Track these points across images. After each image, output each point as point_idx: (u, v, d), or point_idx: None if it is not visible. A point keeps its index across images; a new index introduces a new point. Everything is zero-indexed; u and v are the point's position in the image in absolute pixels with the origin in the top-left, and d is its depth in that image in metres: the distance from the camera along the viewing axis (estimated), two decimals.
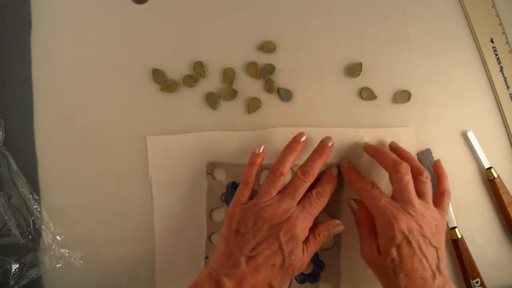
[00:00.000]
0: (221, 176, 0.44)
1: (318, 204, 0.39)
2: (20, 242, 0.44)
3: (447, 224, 0.45)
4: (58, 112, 0.45)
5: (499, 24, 0.46)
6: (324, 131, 0.44)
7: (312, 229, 0.39)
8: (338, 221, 0.41)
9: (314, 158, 0.40)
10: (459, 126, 0.46)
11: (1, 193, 0.44)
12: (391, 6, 0.46)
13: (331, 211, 0.44)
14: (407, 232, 0.36)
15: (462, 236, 0.44)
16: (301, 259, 0.37)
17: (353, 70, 0.45)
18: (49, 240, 0.44)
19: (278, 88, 0.45)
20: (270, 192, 0.38)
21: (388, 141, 0.44)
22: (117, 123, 0.45)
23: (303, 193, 0.39)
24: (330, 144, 0.41)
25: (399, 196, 0.38)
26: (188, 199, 0.44)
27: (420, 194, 0.39)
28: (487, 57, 0.46)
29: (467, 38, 0.46)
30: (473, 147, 0.45)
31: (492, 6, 0.46)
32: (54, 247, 0.44)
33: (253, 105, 0.45)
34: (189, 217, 0.45)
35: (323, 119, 0.45)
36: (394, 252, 0.36)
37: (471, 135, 0.45)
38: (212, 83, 0.45)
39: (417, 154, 0.45)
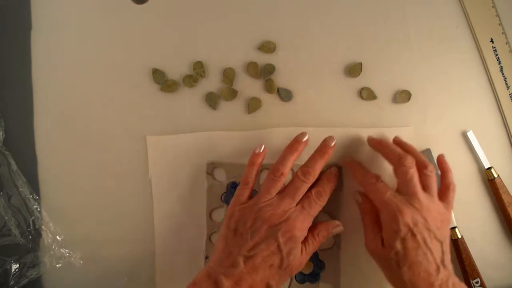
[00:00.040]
0: (221, 176, 0.44)
1: (318, 204, 0.39)
2: (20, 242, 0.44)
3: None
4: (58, 112, 0.45)
5: (499, 24, 0.46)
6: (324, 131, 0.44)
7: (311, 229, 0.39)
8: (337, 222, 0.41)
9: (316, 158, 0.40)
10: (459, 126, 0.46)
11: (1, 193, 0.44)
12: (391, 6, 0.46)
13: (330, 210, 0.44)
14: (412, 225, 0.36)
15: (462, 236, 0.44)
16: (299, 259, 0.37)
17: (353, 70, 0.45)
18: (49, 240, 0.44)
19: (278, 88, 0.45)
20: (270, 192, 0.38)
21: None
22: (117, 123, 0.45)
23: (303, 194, 0.39)
24: (333, 144, 0.40)
25: (404, 189, 0.38)
26: (188, 199, 0.44)
27: (425, 188, 0.38)
28: (487, 57, 0.46)
29: (467, 38, 0.46)
30: (473, 147, 0.45)
31: (492, 6, 0.46)
32: (54, 247, 0.44)
33: (253, 105, 0.45)
34: (189, 217, 0.45)
35: (323, 119, 0.45)
36: (398, 245, 0.36)
37: (471, 135, 0.45)
38: (212, 83, 0.45)
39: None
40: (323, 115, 0.45)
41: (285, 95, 0.45)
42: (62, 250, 0.44)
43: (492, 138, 0.46)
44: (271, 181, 0.39)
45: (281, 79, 0.45)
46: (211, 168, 0.44)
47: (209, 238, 0.45)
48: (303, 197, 0.39)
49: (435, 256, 0.36)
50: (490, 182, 0.45)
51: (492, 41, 0.46)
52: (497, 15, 0.46)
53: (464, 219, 0.45)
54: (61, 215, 0.44)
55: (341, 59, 0.45)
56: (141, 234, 0.44)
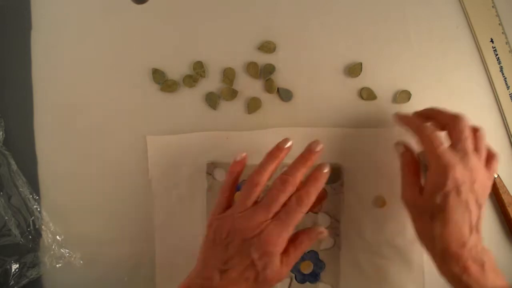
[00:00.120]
0: (221, 176, 0.44)
1: (299, 211, 0.35)
2: (20, 242, 0.44)
3: None
4: (58, 112, 0.45)
5: (499, 24, 0.46)
6: (324, 131, 0.44)
7: (293, 239, 0.36)
8: (320, 229, 0.38)
9: (297, 165, 0.37)
10: None
11: (1, 193, 0.44)
12: (391, 6, 0.46)
13: (331, 211, 0.44)
14: (459, 183, 0.35)
15: None
16: (278, 272, 0.35)
17: (353, 70, 0.45)
18: (49, 240, 0.44)
19: (278, 88, 0.45)
20: (245, 203, 0.36)
21: (388, 141, 0.44)
22: (117, 123, 0.45)
23: (281, 204, 0.36)
24: (318, 149, 0.38)
25: (456, 148, 0.37)
26: (188, 199, 0.44)
27: (476, 150, 0.38)
28: (487, 57, 0.46)
29: (467, 38, 0.46)
30: None
31: (492, 6, 0.46)
32: (54, 247, 0.44)
33: (253, 105, 0.45)
34: (189, 217, 0.45)
35: (323, 119, 0.45)
36: (439, 198, 0.35)
37: None
38: (212, 83, 0.45)
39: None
40: (323, 115, 0.45)
41: (285, 95, 0.45)
42: (62, 250, 0.44)
43: (492, 138, 0.46)
44: (246, 191, 0.36)
45: (281, 79, 0.45)
46: (211, 168, 0.44)
47: None
48: (283, 205, 0.36)
49: (472, 218, 0.36)
50: None
51: (492, 41, 0.46)
52: (497, 15, 0.46)
53: None
54: (61, 215, 0.44)
55: (341, 59, 0.45)
56: (141, 234, 0.44)
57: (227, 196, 0.38)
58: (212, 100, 0.45)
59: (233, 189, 0.38)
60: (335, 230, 0.44)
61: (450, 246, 0.35)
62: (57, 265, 0.44)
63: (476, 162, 0.37)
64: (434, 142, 0.36)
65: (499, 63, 0.46)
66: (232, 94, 0.45)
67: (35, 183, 0.44)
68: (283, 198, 0.36)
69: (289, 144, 0.38)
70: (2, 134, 0.44)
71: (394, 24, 0.46)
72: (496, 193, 0.45)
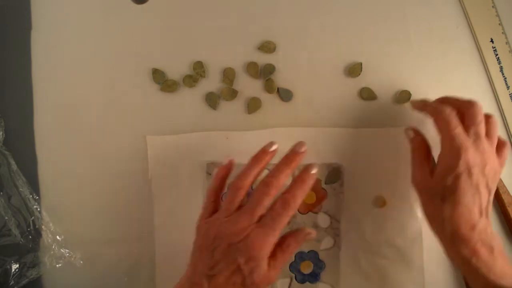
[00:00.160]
0: None
1: (284, 215, 0.35)
2: (20, 242, 0.44)
3: None
4: (58, 112, 0.45)
5: (499, 24, 0.46)
6: (324, 131, 0.44)
7: (280, 242, 0.36)
8: (307, 230, 0.37)
9: (280, 167, 0.36)
10: None
11: (1, 193, 0.44)
12: (391, 6, 0.46)
13: (331, 211, 0.44)
14: (471, 165, 0.35)
15: None
16: (265, 276, 0.34)
17: (353, 70, 0.45)
18: (49, 240, 0.44)
19: (278, 88, 0.45)
20: (229, 208, 0.36)
21: (388, 141, 0.44)
22: (117, 123, 0.45)
23: (265, 208, 0.35)
24: (302, 150, 0.37)
25: (470, 132, 0.37)
26: (188, 199, 0.44)
27: (488, 136, 0.38)
28: (487, 57, 0.46)
29: (467, 38, 0.46)
30: None
31: (492, 6, 0.46)
32: (54, 247, 0.44)
33: (253, 105, 0.45)
34: (189, 217, 0.44)
35: (323, 119, 0.45)
36: (450, 180, 0.36)
37: None
38: (212, 83, 0.45)
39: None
40: (323, 115, 0.45)
41: (285, 95, 0.45)
42: (62, 250, 0.44)
43: None
44: (230, 196, 0.36)
45: (281, 79, 0.45)
46: (211, 168, 0.44)
47: None
48: (269, 209, 0.35)
49: (482, 201, 0.36)
50: None
51: (492, 41, 0.46)
52: (497, 15, 0.46)
53: None
54: (61, 215, 0.44)
55: (341, 59, 0.45)
56: (141, 234, 0.44)
57: (213, 201, 0.38)
58: (212, 100, 0.45)
59: (219, 193, 0.38)
60: (335, 230, 0.44)
61: (459, 229, 0.35)
62: (57, 265, 0.44)
63: (488, 147, 0.37)
64: (451, 123, 0.37)
65: (499, 63, 0.46)
66: (232, 94, 0.45)
67: (35, 183, 0.44)
68: (267, 201, 0.35)
69: (274, 147, 0.38)
70: (2, 134, 0.44)
71: (394, 24, 0.46)
72: (496, 193, 0.45)
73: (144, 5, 0.42)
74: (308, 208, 0.44)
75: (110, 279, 0.45)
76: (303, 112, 0.45)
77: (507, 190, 0.45)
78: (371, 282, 0.45)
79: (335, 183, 0.44)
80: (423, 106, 0.41)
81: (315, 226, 0.44)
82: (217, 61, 0.45)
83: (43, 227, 0.44)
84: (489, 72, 0.46)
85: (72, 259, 0.44)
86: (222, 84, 0.45)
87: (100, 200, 0.44)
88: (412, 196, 0.44)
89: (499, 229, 0.46)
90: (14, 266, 0.43)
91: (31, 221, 0.44)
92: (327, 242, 0.45)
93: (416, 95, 0.45)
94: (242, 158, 0.43)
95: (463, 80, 0.46)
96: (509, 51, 0.46)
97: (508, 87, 0.46)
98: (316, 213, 0.44)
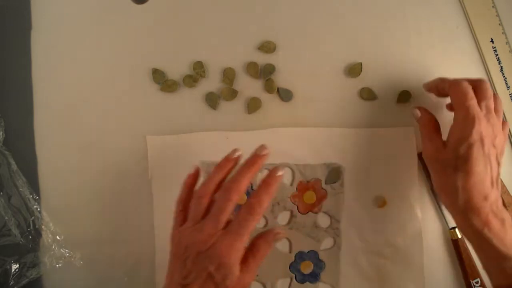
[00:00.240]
0: None
1: (250, 220, 0.34)
2: (20, 242, 0.44)
3: (447, 223, 0.45)
4: (58, 112, 0.45)
5: (499, 24, 0.46)
6: (324, 131, 0.44)
7: (250, 246, 0.36)
8: (275, 230, 0.37)
9: (241, 171, 0.36)
10: None
11: (1, 193, 0.44)
12: (391, 6, 0.46)
13: (331, 211, 0.44)
14: (484, 135, 0.36)
15: (462, 236, 0.44)
16: (239, 281, 0.34)
17: (353, 70, 0.45)
18: (49, 240, 0.44)
19: (278, 88, 0.45)
20: (195, 216, 0.36)
21: (388, 141, 0.44)
22: (117, 123, 0.45)
23: (229, 213, 0.35)
24: (264, 153, 0.37)
25: (481, 104, 0.38)
26: None
27: (494, 111, 0.39)
28: (487, 57, 0.46)
29: (467, 38, 0.46)
30: None
31: (492, 6, 0.46)
32: (54, 247, 0.44)
33: (253, 105, 0.45)
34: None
35: (323, 119, 0.45)
36: (463, 149, 0.36)
37: None
38: (212, 83, 0.45)
39: (417, 154, 0.45)
40: (323, 115, 0.45)
41: (285, 95, 0.45)
42: (62, 250, 0.44)
43: None
44: (194, 205, 0.36)
45: (281, 79, 0.45)
46: (211, 168, 0.44)
47: None
48: (234, 216, 0.35)
49: (493, 172, 0.37)
50: None
51: (492, 41, 0.46)
52: (497, 15, 0.46)
53: None
54: (61, 215, 0.44)
55: (341, 59, 0.45)
56: (141, 234, 0.44)
57: (181, 210, 0.38)
58: (212, 100, 0.45)
59: (187, 202, 0.37)
60: (335, 230, 0.44)
61: (472, 198, 0.36)
62: (57, 265, 0.44)
63: (497, 120, 0.39)
64: (468, 94, 0.38)
65: (499, 63, 0.46)
66: (232, 94, 0.45)
67: (35, 183, 0.44)
68: (230, 207, 0.35)
69: (237, 154, 0.38)
70: (2, 134, 0.44)
71: (394, 24, 0.46)
72: None
73: (144, 5, 0.42)
74: (308, 208, 0.44)
75: (110, 279, 0.45)
76: (303, 112, 0.45)
77: (507, 190, 0.45)
78: (371, 282, 0.45)
79: (335, 183, 0.44)
80: (439, 81, 0.42)
81: (315, 226, 0.44)
82: (217, 61, 0.45)
83: (43, 227, 0.44)
84: (489, 72, 0.46)
85: (72, 259, 0.44)
86: (222, 84, 0.45)
87: (100, 200, 0.44)
88: (412, 196, 0.45)
89: None
90: (14, 266, 0.43)
91: (31, 221, 0.44)
92: (327, 242, 0.45)
93: (416, 95, 0.45)
94: (242, 158, 0.43)
95: None
96: (509, 51, 0.46)
97: (508, 87, 0.46)
98: (316, 213, 0.44)
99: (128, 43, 0.45)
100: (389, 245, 0.44)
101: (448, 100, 0.44)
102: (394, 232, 0.44)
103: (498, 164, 0.38)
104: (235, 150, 0.38)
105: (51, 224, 0.44)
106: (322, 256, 0.45)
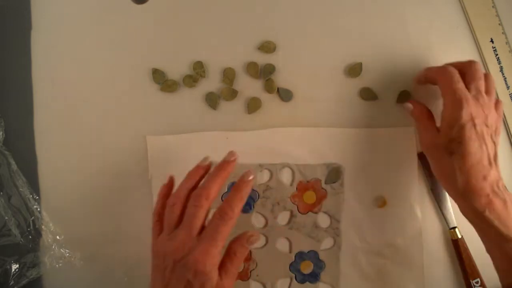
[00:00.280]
0: None
1: (223, 225, 0.35)
2: (20, 242, 0.44)
3: (447, 223, 0.45)
4: (58, 112, 0.45)
5: (499, 24, 0.46)
6: (324, 131, 0.44)
7: (227, 251, 0.36)
8: (250, 232, 0.37)
9: (211, 177, 0.37)
10: None
11: (1, 193, 0.44)
12: (391, 6, 0.46)
13: (331, 211, 0.44)
14: (474, 115, 0.37)
15: (462, 236, 0.44)
16: (220, 286, 0.34)
17: (353, 70, 0.45)
18: (49, 240, 0.44)
19: (278, 88, 0.45)
20: (169, 226, 0.36)
21: (388, 141, 0.44)
22: (117, 123, 0.45)
23: (201, 219, 0.35)
24: (233, 159, 0.38)
25: (470, 86, 0.38)
26: None
27: (486, 92, 0.39)
28: (487, 57, 0.46)
29: (467, 38, 0.46)
30: None
31: (492, 6, 0.46)
32: (54, 247, 0.44)
33: (253, 105, 0.45)
34: None
35: (323, 119, 0.45)
36: (455, 131, 0.37)
37: None
38: (212, 83, 0.45)
39: (417, 154, 0.45)
40: (323, 115, 0.45)
41: (285, 95, 0.45)
42: (62, 250, 0.44)
43: None
44: (167, 214, 0.36)
45: (281, 79, 0.45)
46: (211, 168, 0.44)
47: None
48: (208, 222, 0.36)
49: (489, 152, 0.37)
50: None
51: (492, 41, 0.46)
52: (497, 15, 0.46)
53: (464, 219, 0.44)
54: (61, 215, 0.44)
55: (341, 59, 0.45)
56: (141, 234, 0.44)
57: (157, 220, 0.38)
58: (212, 100, 0.45)
59: (163, 212, 0.37)
60: (335, 230, 0.44)
61: (471, 179, 0.36)
62: (57, 265, 0.44)
63: (488, 101, 0.39)
64: (454, 78, 0.38)
65: (499, 63, 0.46)
66: (232, 94, 0.45)
67: (35, 183, 0.44)
68: (201, 213, 0.35)
69: (208, 161, 0.39)
70: (2, 134, 0.44)
71: (394, 24, 0.46)
72: None
73: (144, 5, 0.42)
74: (308, 208, 0.44)
75: (110, 279, 0.45)
76: (303, 112, 0.45)
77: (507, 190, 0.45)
78: (371, 282, 0.45)
79: (335, 183, 0.44)
80: (426, 71, 0.42)
81: (315, 226, 0.44)
82: (217, 61, 0.45)
83: (43, 227, 0.44)
84: (489, 72, 0.46)
85: (72, 259, 0.44)
86: (222, 84, 0.45)
87: (100, 200, 0.44)
88: (412, 196, 0.45)
89: None
90: (14, 266, 0.43)
91: (31, 221, 0.44)
92: (327, 242, 0.45)
93: (416, 95, 0.45)
94: (242, 158, 0.43)
95: None
96: (509, 51, 0.46)
97: (508, 87, 0.46)
98: (316, 213, 0.44)
99: (128, 43, 0.45)
100: (389, 245, 0.44)
101: None
102: (394, 232, 0.44)
103: (494, 143, 0.38)
104: (206, 159, 0.39)
105: (51, 224, 0.44)
106: (322, 256, 0.45)
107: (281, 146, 0.44)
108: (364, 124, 0.45)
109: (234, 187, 0.37)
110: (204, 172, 0.38)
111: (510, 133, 0.46)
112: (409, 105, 0.43)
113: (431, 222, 0.45)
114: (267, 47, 0.45)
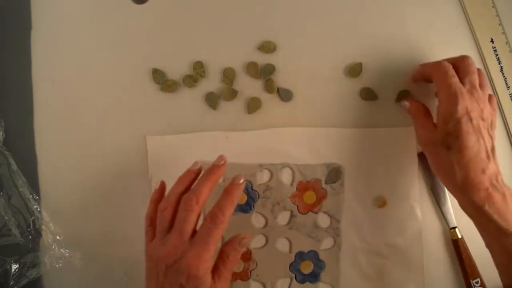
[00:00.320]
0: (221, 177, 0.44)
1: (213, 229, 0.35)
2: (20, 242, 0.44)
3: (447, 223, 0.45)
4: (58, 112, 0.45)
5: (499, 24, 0.46)
6: (324, 131, 0.44)
7: (219, 254, 0.37)
8: (241, 235, 0.37)
9: (201, 181, 0.37)
10: None
11: (1, 193, 0.44)
12: (391, 6, 0.46)
13: (331, 211, 0.44)
14: (469, 109, 0.37)
15: (462, 236, 0.44)
16: None
17: (353, 70, 0.45)
18: (49, 240, 0.44)
19: (278, 88, 0.45)
20: (161, 231, 0.36)
21: (388, 141, 0.44)
22: (117, 123, 0.45)
23: (192, 223, 0.35)
24: (223, 162, 0.38)
25: (464, 81, 0.38)
26: None
27: (479, 86, 0.39)
28: (487, 57, 0.46)
29: (467, 38, 0.46)
30: None
31: (492, 6, 0.46)
32: (54, 247, 0.44)
33: (253, 105, 0.45)
34: None
35: (323, 119, 0.45)
36: (451, 126, 0.37)
37: None
38: (212, 83, 0.45)
39: (417, 154, 0.45)
40: (323, 115, 0.45)
41: (285, 95, 0.45)
42: (62, 250, 0.44)
43: None
44: (158, 219, 0.37)
45: (281, 79, 0.45)
46: None
47: None
48: (200, 226, 0.36)
49: (487, 145, 0.37)
50: None
51: (492, 41, 0.46)
52: (497, 15, 0.46)
53: (465, 219, 0.44)
54: (61, 215, 0.44)
55: (341, 59, 0.45)
56: (141, 234, 0.44)
57: (149, 225, 0.38)
58: (212, 100, 0.45)
59: (155, 217, 0.38)
60: (335, 230, 0.44)
61: (469, 173, 0.36)
62: (57, 265, 0.44)
63: (482, 95, 0.39)
64: (448, 73, 0.38)
65: (499, 63, 0.46)
66: (232, 94, 0.45)
67: (35, 183, 0.44)
68: (192, 217, 0.35)
69: (198, 166, 0.39)
70: (2, 134, 0.44)
71: (394, 24, 0.46)
72: None
73: (144, 5, 0.42)
74: (308, 208, 0.44)
75: (110, 279, 0.45)
76: (303, 112, 0.45)
77: None
78: (371, 282, 0.45)
79: (335, 183, 0.44)
80: (421, 68, 0.42)
81: (315, 226, 0.44)
82: (217, 61, 0.45)
83: (43, 227, 0.44)
84: (489, 72, 0.46)
85: (72, 259, 0.44)
86: (222, 84, 0.45)
87: (100, 200, 0.44)
88: (412, 196, 0.45)
89: None
90: (14, 266, 0.43)
91: (31, 221, 0.44)
92: (327, 242, 0.45)
93: (416, 95, 0.45)
94: (242, 158, 0.44)
95: None
96: (509, 51, 0.46)
97: (508, 87, 0.46)
98: (316, 213, 0.44)
99: (128, 43, 0.45)
100: (389, 245, 0.44)
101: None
102: (394, 232, 0.44)
103: (491, 137, 0.38)
104: (196, 163, 0.39)
105: (51, 224, 0.44)
106: (322, 256, 0.45)
107: (281, 146, 0.44)
108: (364, 124, 0.45)
109: (225, 190, 0.37)
110: (195, 177, 0.38)
111: (510, 133, 0.46)
112: (406, 103, 0.43)
113: (431, 222, 0.45)
114: (267, 47, 0.45)
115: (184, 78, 0.45)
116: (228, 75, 0.45)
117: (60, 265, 0.44)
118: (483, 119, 0.37)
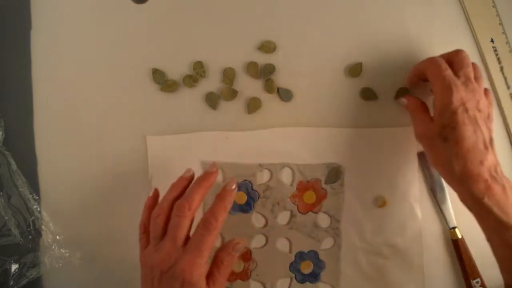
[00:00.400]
0: (220, 176, 0.44)
1: (207, 235, 0.35)
2: (20, 242, 0.44)
3: (447, 223, 0.45)
4: (58, 112, 0.45)
5: (499, 24, 0.46)
6: (324, 131, 0.44)
7: (214, 260, 0.37)
8: (235, 240, 0.37)
9: (193, 188, 0.37)
10: None
11: (1, 193, 0.44)
12: (391, 6, 0.46)
13: (331, 211, 0.44)
14: (464, 100, 0.37)
15: (462, 236, 0.44)
16: None
17: (353, 70, 0.45)
18: (49, 240, 0.44)
19: (278, 88, 0.45)
20: (154, 237, 0.36)
21: (388, 141, 0.44)
22: (117, 123, 0.45)
23: (186, 230, 0.36)
24: (215, 169, 0.38)
25: (459, 73, 0.38)
26: None
27: (475, 79, 0.39)
28: (487, 57, 0.46)
29: (467, 38, 0.46)
30: None
31: (492, 6, 0.46)
32: (54, 247, 0.44)
33: (253, 105, 0.45)
34: None
35: (323, 119, 0.45)
36: (447, 118, 0.37)
37: None
38: (212, 83, 0.45)
39: (417, 154, 0.45)
40: (323, 115, 0.45)
41: (285, 95, 0.45)
42: (62, 250, 0.44)
43: None
44: (152, 225, 0.37)
45: (281, 79, 0.45)
46: None
47: None
48: (193, 232, 0.36)
49: (484, 136, 0.37)
50: None
51: (492, 41, 0.46)
52: (497, 15, 0.46)
53: (464, 219, 0.45)
54: (61, 215, 0.44)
55: (341, 59, 0.45)
56: None
57: (143, 232, 0.38)
58: (212, 100, 0.45)
59: (148, 224, 0.38)
60: (335, 230, 0.44)
61: (468, 164, 0.36)
62: (57, 265, 0.44)
63: (477, 87, 0.38)
64: (441, 66, 0.38)
65: (499, 63, 0.46)
66: (232, 94, 0.45)
67: (35, 183, 0.44)
68: (185, 223, 0.35)
69: (191, 173, 0.39)
70: (2, 134, 0.44)
71: (394, 24, 0.46)
72: None
73: (144, 5, 0.42)
74: (308, 208, 0.44)
75: (110, 279, 0.45)
76: (303, 112, 0.45)
77: None
78: (371, 282, 0.45)
79: (335, 183, 0.44)
80: (414, 68, 0.42)
81: (315, 226, 0.44)
82: (217, 61, 0.45)
83: (43, 227, 0.44)
84: (489, 72, 0.46)
85: (72, 259, 0.44)
86: (222, 84, 0.45)
87: (100, 200, 0.44)
88: (412, 196, 0.45)
89: None
90: (14, 266, 0.43)
91: (31, 221, 0.44)
92: (327, 242, 0.45)
93: (416, 95, 0.45)
94: (242, 158, 0.44)
95: None
96: (509, 51, 0.46)
97: (508, 87, 0.46)
98: (316, 213, 0.44)
99: (128, 43, 0.45)
100: (389, 245, 0.44)
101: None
102: (394, 232, 0.44)
103: (489, 129, 0.38)
104: (189, 170, 0.39)
105: (51, 224, 0.44)
106: (322, 256, 0.45)
107: (281, 146, 0.44)
108: (364, 124, 0.45)
109: (217, 196, 0.37)
110: (187, 183, 0.39)
111: (510, 133, 0.46)
112: (404, 100, 0.43)
113: (431, 222, 0.45)
114: (267, 47, 0.45)
115: (184, 78, 0.45)
116: (228, 75, 0.45)
117: (60, 265, 0.44)
118: (479, 110, 0.37)
